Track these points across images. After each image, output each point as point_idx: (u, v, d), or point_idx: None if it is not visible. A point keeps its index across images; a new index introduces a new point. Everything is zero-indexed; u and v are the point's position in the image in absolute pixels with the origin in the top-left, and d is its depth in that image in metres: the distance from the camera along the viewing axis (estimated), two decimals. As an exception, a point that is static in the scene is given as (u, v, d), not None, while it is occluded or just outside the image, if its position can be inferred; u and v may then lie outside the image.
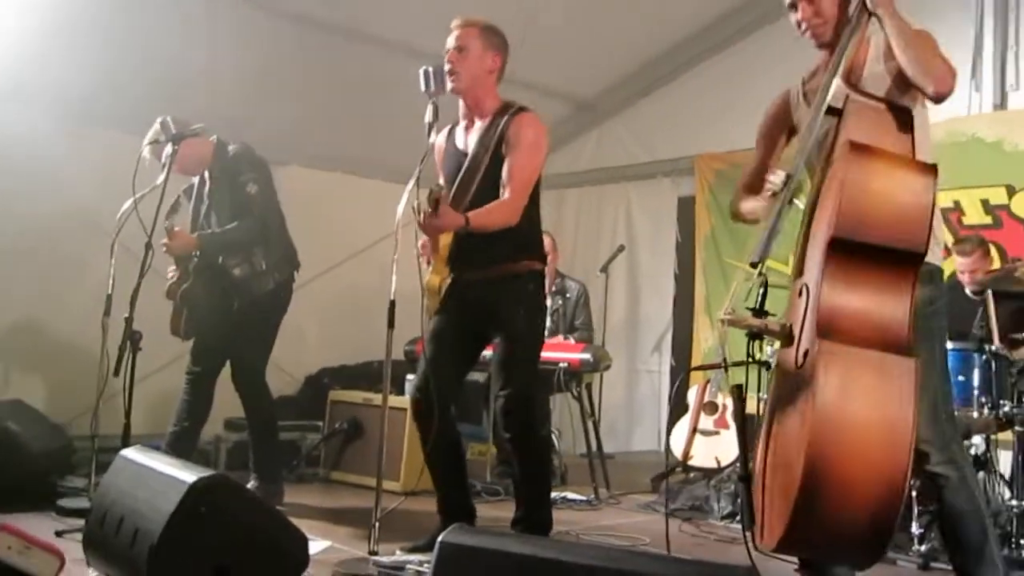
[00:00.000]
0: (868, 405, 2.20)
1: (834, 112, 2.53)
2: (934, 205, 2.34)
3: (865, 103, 2.54)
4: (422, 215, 3.20)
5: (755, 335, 2.52)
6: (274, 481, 4.54)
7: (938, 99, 2.48)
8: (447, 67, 3.42)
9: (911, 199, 2.32)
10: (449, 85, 3.42)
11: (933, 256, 2.62)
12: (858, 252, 2.30)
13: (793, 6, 2.76)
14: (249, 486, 4.37)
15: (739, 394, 2.60)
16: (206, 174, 4.55)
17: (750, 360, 2.54)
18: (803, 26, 2.75)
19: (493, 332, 3.49)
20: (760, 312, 2.50)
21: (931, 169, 2.36)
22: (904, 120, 2.49)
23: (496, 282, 3.43)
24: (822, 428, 2.15)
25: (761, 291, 2.54)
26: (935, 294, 2.62)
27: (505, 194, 3.40)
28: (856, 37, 2.60)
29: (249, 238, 4.38)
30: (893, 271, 2.31)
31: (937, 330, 2.63)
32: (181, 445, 4.42)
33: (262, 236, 4.42)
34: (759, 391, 4.28)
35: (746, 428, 2.63)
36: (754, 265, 2.52)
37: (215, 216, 4.48)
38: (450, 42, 3.50)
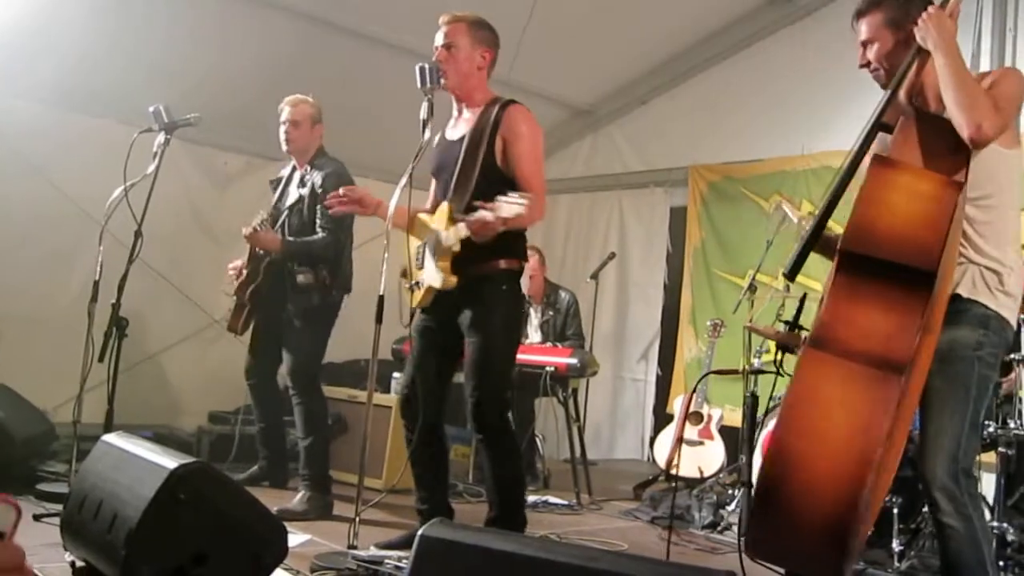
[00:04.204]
0: (834, 413, 2.15)
1: (886, 129, 2.50)
2: (951, 224, 2.23)
3: (923, 121, 2.51)
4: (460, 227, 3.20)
5: (783, 347, 2.52)
6: (324, 492, 4.37)
7: (971, 144, 2.40)
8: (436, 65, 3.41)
9: (923, 216, 2.25)
10: (440, 84, 3.42)
11: (994, 301, 2.53)
12: (864, 266, 2.25)
13: (862, 44, 2.72)
14: (298, 498, 4.29)
15: (754, 402, 2.60)
16: (295, 172, 4.64)
17: (777, 371, 2.53)
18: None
19: (467, 332, 3.44)
20: (794, 325, 2.50)
21: (954, 186, 2.29)
22: (959, 142, 2.42)
23: (471, 283, 3.38)
24: (784, 428, 2.13)
25: (797, 305, 2.54)
26: (984, 340, 2.50)
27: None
28: (917, 62, 2.56)
29: (325, 253, 4.44)
30: (899, 289, 2.23)
31: (976, 379, 2.49)
32: (270, 442, 4.79)
33: (334, 254, 4.48)
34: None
35: (755, 434, 2.64)
36: (787, 277, 2.51)
37: (294, 219, 4.53)
38: (438, 39, 3.49)
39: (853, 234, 2.26)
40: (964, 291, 2.54)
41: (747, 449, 2.63)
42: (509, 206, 3.04)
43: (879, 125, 2.52)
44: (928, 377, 2.51)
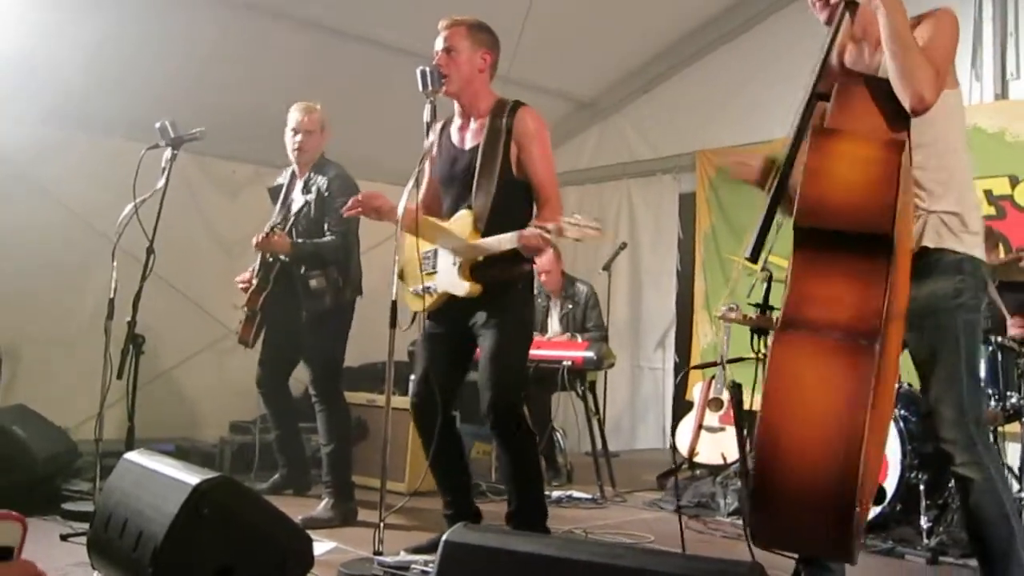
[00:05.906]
0: (815, 391, 2.12)
1: (823, 98, 2.44)
2: (900, 184, 2.20)
3: (855, 83, 2.45)
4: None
5: (757, 330, 2.47)
6: (348, 499, 4.35)
7: (912, 114, 2.36)
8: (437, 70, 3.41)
9: (869, 180, 2.21)
10: (442, 88, 3.42)
11: (961, 244, 2.50)
12: (821, 239, 2.22)
13: None
14: (322, 505, 4.28)
15: (738, 391, 2.57)
16: (297, 181, 4.62)
17: (756, 356, 2.48)
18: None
19: (481, 331, 3.45)
20: (764, 307, 2.45)
21: (896, 146, 2.25)
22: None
23: (493, 287, 3.39)
24: (767, 411, 2.11)
25: (765, 286, 2.49)
26: (962, 287, 2.48)
27: (543, 199, 3.42)
28: (845, 21, 2.48)
29: (334, 256, 4.44)
30: (860, 256, 2.20)
31: (964, 325, 2.47)
32: (288, 449, 4.84)
33: (344, 256, 4.48)
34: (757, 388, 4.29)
35: (744, 424, 2.60)
36: (751, 260, 2.47)
37: (301, 226, 4.51)
38: (438, 44, 3.48)
39: (803, 209, 2.22)
40: (930, 242, 2.50)
41: (739, 439, 2.59)
42: (574, 228, 3.07)
43: (816, 95, 2.45)
44: (916, 336, 2.50)
